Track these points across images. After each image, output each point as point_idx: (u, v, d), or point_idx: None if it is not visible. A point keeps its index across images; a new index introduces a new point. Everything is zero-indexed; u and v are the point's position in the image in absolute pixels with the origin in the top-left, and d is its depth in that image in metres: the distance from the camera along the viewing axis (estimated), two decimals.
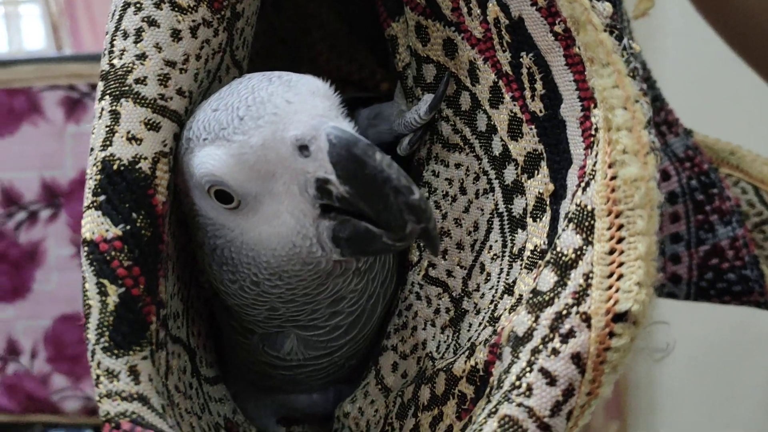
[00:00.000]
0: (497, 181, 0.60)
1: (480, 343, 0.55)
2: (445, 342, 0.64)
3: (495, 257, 0.60)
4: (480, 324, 0.59)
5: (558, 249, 0.47)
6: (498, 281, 0.59)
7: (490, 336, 0.54)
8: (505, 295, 0.56)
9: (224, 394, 0.71)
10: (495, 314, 0.57)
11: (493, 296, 0.58)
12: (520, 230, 0.57)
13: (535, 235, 0.54)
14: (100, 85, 0.53)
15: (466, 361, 0.56)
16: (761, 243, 0.95)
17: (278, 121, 0.51)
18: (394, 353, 0.69)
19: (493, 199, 0.61)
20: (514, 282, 0.55)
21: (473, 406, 0.53)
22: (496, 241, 0.60)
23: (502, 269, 0.59)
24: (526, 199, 0.56)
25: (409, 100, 0.70)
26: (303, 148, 0.51)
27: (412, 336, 0.68)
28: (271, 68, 0.75)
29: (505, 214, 0.59)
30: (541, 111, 0.53)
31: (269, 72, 0.56)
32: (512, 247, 0.58)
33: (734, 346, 2.47)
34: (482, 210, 0.62)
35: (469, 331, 0.61)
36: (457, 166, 0.64)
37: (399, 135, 0.71)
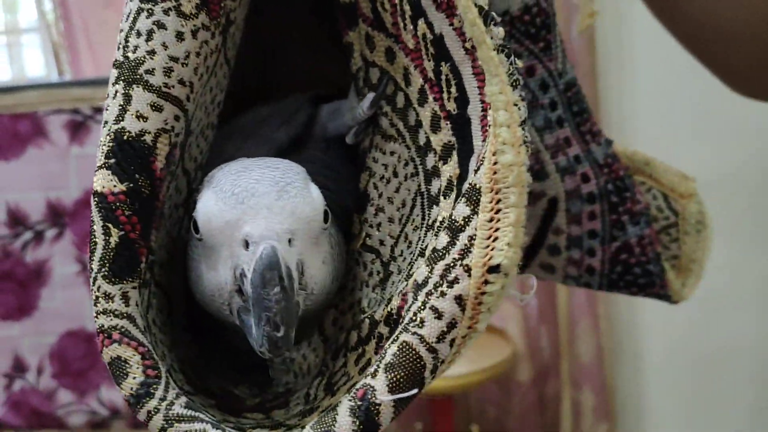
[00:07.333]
0: (421, 166, 0.73)
1: (397, 294, 0.68)
2: (374, 299, 0.77)
3: (416, 228, 0.73)
4: (399, 281, 0.72)
5: (453, 217, 0.60)
6: (416, 247, 0.72)
7: (404, 288, 0.67)
8: (419, 258, 0.69)
9: (190, 339, 0.83)
10: (410, 272, 0.70)
11: (412, 259, 0.71)
12: (435, 206, 0.70)
13: (444, 209, 0.67)
14: (114, 72, 0.66)
15: (384, 308, 0.69)
16: (667, 244, 1.08)
17: (245, 214, 0.62)
18: (335, 310, 0.81)
19: (417, 181, 0.74)
20: (426, 246, 0.68)
21: (387, 342, 0.66)
22: (418, 215, 0.73)
23: (419, 237, 0.72)
24: (440, 181, 0.69)
25: (359, 98, 0.83)
26: (246, 244, 0.62)
27: (351, 295, 0.80)
28: (246, 70, 0.88)
29: (426, 193, 0.72)
30: (454, 110, 0.66)
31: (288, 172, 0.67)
32: (428, 220, 0.71)
33: (719, 350, 2.58)
34: (409, 190, 0.75)
35: (392, 287, 0.74)
36: (392, 153, 0.77)
37: (351, 127, 0.85)
